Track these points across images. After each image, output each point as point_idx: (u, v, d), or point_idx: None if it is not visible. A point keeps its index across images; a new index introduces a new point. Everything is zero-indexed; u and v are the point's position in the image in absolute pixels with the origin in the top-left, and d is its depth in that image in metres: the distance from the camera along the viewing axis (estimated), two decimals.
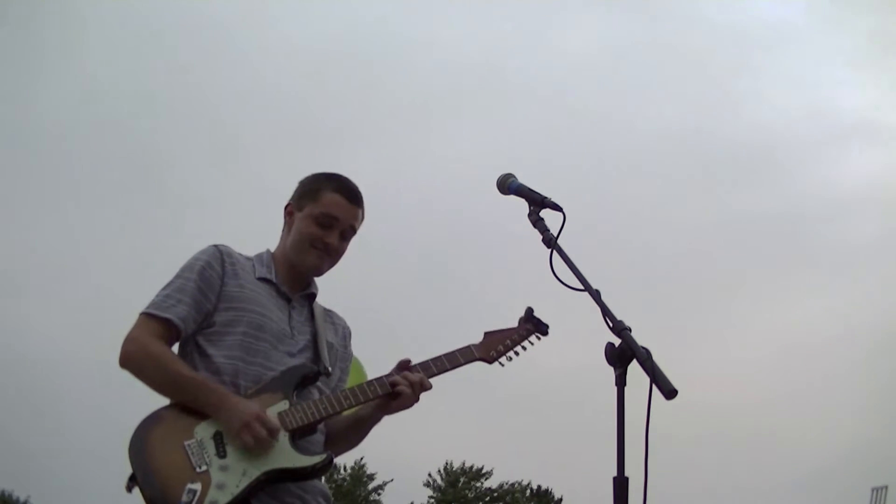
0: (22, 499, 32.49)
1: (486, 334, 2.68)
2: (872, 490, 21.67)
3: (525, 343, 2.70)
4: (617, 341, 2.08)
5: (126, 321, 2.47)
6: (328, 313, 2.77)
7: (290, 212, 2.70)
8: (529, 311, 2.72)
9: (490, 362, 2.66)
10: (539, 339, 2.72)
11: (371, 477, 36.45)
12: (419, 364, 2.58)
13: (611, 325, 2.10)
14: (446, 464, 38.10)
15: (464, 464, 38.11)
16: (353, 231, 2.67)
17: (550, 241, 2.28)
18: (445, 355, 2.61)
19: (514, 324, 2.73)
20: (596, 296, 2.15)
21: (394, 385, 2.51)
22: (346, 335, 2.81)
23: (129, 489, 2.27)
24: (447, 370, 2.59)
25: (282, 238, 2.72)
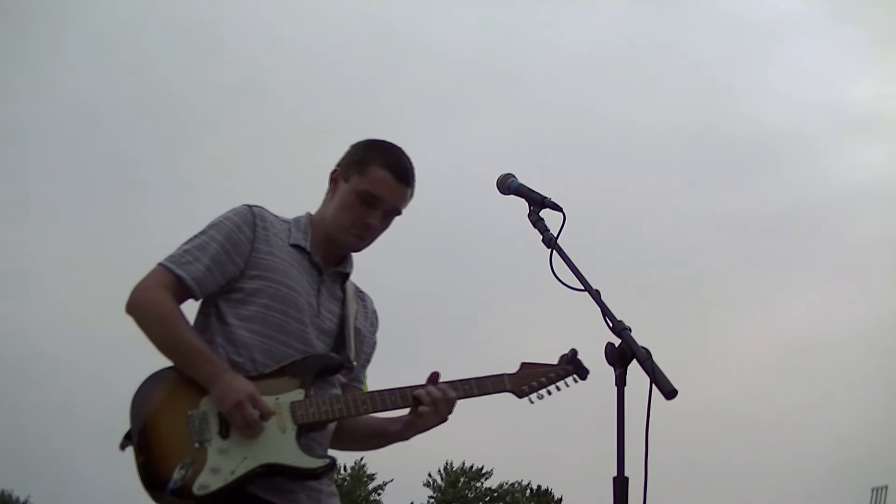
0: (22, 499, 32.54)
1: (524, 365, 2.56)
2: (872, 490, 21.67)
3: (560, 384, 2.56)
4: (617, 341, 2.08)
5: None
6: (360, 294, 2.65)
7: (335, 178, 2.54)
8: (573, 352, 2.58)
9: (520, 397, 2.52)
10: (576, 381, 2.58)
11: (371, 477, 36.48)
12: (445, 384, 2.45)
13: (611, 325, 2.09)
14: (446, 464, 38.17)
15: (464, 464, 38.17)
16: (398, 212, 2.54)
17: (550, 241, 2.27)
18: (475, 380, 2.48)
19: (555, 360, 2.59)
20: (596, 296, 2.14)
21: (416, 399, 2.40)
22: (374, 322, 2.69)
23: (123, 447, 2.20)
24: (474, 396, 2.47)
25: (324, 203, 2.57)
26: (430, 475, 38.03)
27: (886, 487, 21.28)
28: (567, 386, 2.57)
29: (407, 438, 2.52)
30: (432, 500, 37.70)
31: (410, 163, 2.54)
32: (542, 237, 2.31)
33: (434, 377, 2.45)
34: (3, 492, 31.51)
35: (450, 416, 2.44)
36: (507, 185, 2.45)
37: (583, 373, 2.57)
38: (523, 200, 2.40)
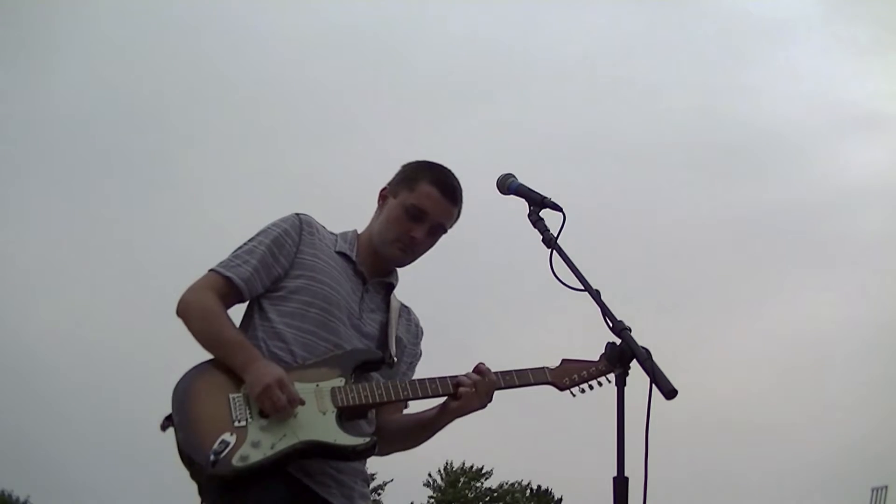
0: (22, 499, 32.52)
1: (564, 361, 2.57)
2: (872, 490, 21.65)
3: (601, 379, 2.53)
4: (617, 341, 2.09)
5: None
6: (405, 308, 2.72)
7: (384, 195, 2.64)
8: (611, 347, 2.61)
9: (561, 389, 2.53)
10: None
11: (371, 477, 36.48)
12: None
13: (611, 325, 2.10)
14: (446, 464, 38.13)
15: (464, 464, 38.13)
16: (444, 230, 2.61)
17: (550, 242, 2.28)
18: (516, 371, 2.51)
19: (595, 357, 2.56)
20: (596, 296, 2.15)
21: (457, 385, 2.43)
22: (418, 333, 2.74)
23: (164, 428, 2.24)
24: (514, 387, 2.49)
25: (371, 220, 2.66)
26: (430, 475, 38.03)
27: (886, 487, 21.28)
28: (609, 381, 2.48)
29: (443, 425, 2.53)
30: (432, 500, 37.68)
31: (459, 183, 2.63)
32: (542, 237, 2.32)
33: (480, 367, 2.48)
34: (2, 492, 31.51)
35: (488, 405, 2.46)
36: (507, 186, 2.45)
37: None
38: (523, 200, 2.41)
